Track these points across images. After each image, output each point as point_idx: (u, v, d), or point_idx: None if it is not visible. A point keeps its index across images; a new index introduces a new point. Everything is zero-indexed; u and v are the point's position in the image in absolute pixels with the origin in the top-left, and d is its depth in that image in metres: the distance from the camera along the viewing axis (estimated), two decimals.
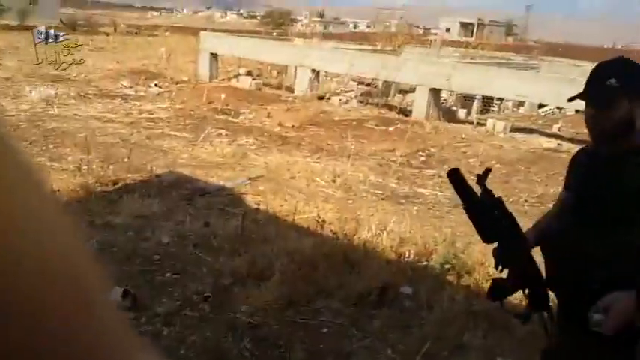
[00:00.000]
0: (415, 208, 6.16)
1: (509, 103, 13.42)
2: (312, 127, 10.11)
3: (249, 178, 6.22)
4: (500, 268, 1.80)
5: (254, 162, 7.11)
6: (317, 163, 7.39)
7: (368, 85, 14.22)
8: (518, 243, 1.77)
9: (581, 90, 1.77)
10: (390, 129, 10.02)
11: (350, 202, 5.95)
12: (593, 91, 1.71)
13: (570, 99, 1.78)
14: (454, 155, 8.76)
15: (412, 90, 12.65)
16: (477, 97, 12.57)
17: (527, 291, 1.78)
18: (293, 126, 10.13)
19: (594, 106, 1.74)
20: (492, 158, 8.16)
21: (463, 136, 9.81)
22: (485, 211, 1.74)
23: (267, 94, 12.61)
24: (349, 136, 9.08)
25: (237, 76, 14.44)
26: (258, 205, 5.33)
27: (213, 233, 4.69)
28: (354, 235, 4.63)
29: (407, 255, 4.38)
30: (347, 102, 12.65)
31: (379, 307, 3.66)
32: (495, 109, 13.21)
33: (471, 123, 10.92)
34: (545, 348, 1.98)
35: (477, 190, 1.75)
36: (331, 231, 4.59)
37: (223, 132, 8.87)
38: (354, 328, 3.44)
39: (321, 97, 12.63)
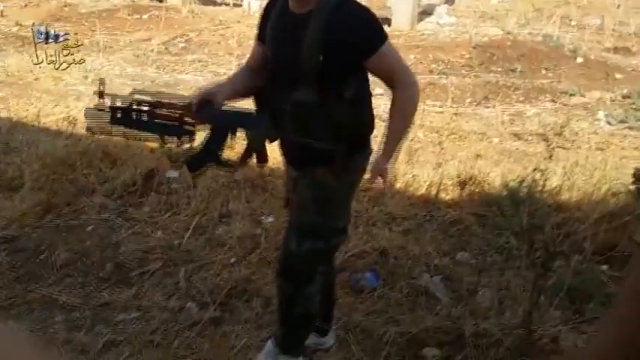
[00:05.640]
0: None
1: None
2: (57, 22, 9.09)
3: None
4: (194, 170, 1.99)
5: None
6: None
7: None
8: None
9: None
10: (145, 17, 9.45)
11: None
12: None
13: None
14: (213, 38, 8.65)
15: None
16: None
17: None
18: (34, 23, 8.99)
19: None
20: (250, 38, 8.23)
21: (221, 18, 9.65)
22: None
23: None
24: (99, 28, 8.38)
25: None
26: None
27: None
28: None
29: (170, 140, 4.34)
30: None
31: (146, 195, 3.64)
32: None
33: (228, 4, 10.73)
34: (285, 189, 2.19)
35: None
36: None
37: None
38: (121, 219, 3.40)
39: None
